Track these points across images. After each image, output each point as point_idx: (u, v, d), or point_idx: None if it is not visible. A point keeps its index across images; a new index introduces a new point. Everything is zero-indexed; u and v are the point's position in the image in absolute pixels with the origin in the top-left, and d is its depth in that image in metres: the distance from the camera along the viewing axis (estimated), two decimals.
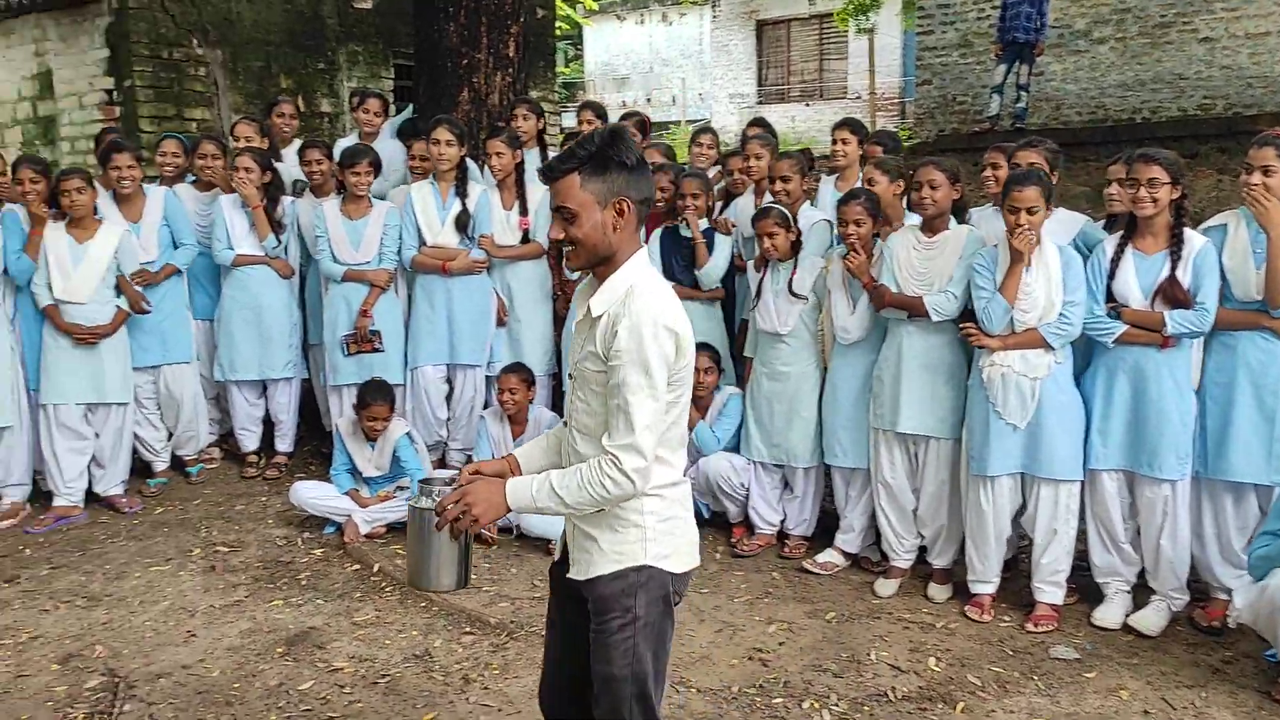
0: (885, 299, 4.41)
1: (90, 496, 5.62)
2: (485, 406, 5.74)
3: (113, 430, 5.59)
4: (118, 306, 5.50)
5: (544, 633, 2.68)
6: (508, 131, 5.82)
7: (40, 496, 5.62)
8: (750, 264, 5.19)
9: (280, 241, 5.91)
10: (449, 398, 5.85)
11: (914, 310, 4.36)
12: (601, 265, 2.32)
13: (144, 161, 6.56)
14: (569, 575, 2.42)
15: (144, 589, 4.61)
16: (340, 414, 5.68)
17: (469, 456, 5.90)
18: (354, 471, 5.29)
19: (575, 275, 5.44)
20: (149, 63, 8.09)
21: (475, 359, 5.75)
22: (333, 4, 9.39)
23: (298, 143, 6.50)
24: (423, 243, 5.67)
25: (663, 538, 2.36)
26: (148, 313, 5.62)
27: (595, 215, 2.26)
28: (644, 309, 2.22)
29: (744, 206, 5.53)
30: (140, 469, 5.98)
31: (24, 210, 5.41)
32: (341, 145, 6.22)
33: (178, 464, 6.14)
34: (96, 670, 3.88)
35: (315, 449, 6.42)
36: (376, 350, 5.66)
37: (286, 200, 6.04)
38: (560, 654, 2.57)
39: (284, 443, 6.26)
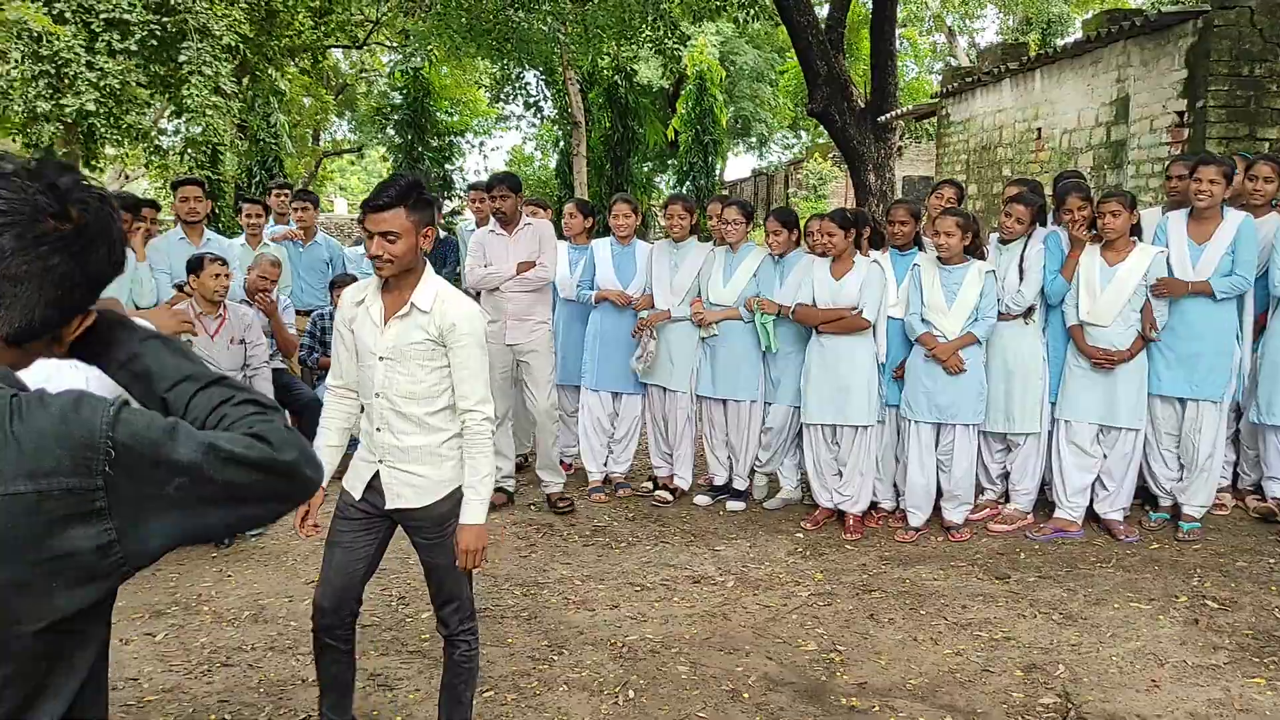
0: None
1: (1089, 515, 5.67)
2: None
3: (1120, 455, 5.53)
4: (1137, 333, 5.40)
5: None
6: None
7: (1042, 506, 5.87)
8: None
9: None
10: None
11: None
12: (406, 274, 3.01)
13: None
14: (391, 507, 3.13)
15: (1119, 622, 4.49)
16: None
17: None
18: None
19: None
20: (1225, 81, 7.75)
21: None
22: None
23: None
24: None
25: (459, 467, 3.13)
26: (1155, 340, 5.42)
27: (412, 239, 2.93)
28: (470, 308, 3.05)
29: None
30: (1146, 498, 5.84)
31: (1064, 233, 5.62)
32: None
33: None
34: (1054, 689, 3.91)
35: None
36: None
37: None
38: (349, 567, 3.16)
39: None
